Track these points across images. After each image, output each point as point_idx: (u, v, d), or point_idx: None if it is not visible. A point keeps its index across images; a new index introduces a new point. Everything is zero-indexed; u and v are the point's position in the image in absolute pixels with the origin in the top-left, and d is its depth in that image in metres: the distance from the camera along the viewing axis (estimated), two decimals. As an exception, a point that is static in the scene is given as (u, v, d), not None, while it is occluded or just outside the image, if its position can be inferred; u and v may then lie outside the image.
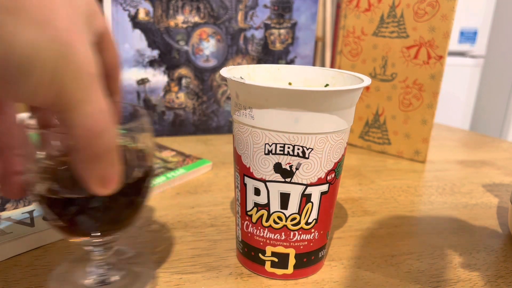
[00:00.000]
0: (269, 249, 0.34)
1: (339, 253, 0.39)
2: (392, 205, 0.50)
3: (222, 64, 0.70)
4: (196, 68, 0.69)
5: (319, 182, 0.32)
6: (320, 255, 0.36)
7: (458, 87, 2.30)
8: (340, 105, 0.30)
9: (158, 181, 0.50)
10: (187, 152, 0.63)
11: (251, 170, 0.32)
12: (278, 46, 0.72)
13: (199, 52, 0.69)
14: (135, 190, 0.29)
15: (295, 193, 0.32)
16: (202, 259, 0.37)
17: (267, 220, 0.33)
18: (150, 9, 0.64)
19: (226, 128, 0.74)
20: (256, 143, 0.31)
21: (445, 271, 0.37)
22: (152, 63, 0.67)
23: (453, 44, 2.24)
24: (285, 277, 0.35)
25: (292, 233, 0.33)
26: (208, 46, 0.69)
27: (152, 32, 0.66)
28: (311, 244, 0.34)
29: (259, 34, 0.70)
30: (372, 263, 0.38)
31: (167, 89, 0.69)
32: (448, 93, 2.31)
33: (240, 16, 0.69)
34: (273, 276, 0.35)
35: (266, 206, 0.33)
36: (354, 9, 0.66)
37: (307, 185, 0.32)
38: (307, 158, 0.31)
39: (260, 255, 0.34)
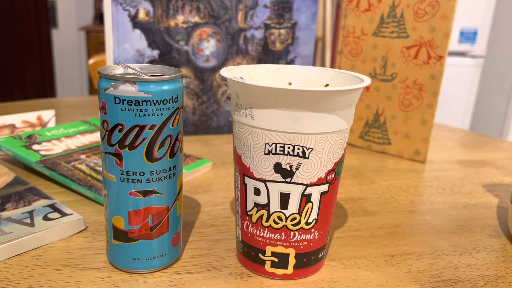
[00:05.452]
0: (269, 249, 0.34)
1: (339, 253, 0.39)
2: (392, 205, 0.50)
3: (222, 64, 0.70)
4: (196, 68, 0.69)
5: (319, 182, 0.32)
6: (320, 255, 0.36)
7: (458, 87, 2.30)
8: (340, 105, 0.30)
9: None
10: (187, 152, 0.63)
11: (251, 170, 0.32)
12: (278, 46, 0.72)
13: (199, 52, 0.69)
14: None
15: (295, 193, 0.32)
16: (202, 259, 0.37)
17: (267, 220, 0.33)
18: (150, 9, 0.64)
19: (226, 128, 0.74)
20: (256, 143, 0.31)
21: (445, 271, 0.37)
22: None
23: (453, 44, 2.24)
24: (285, 277, 0.35)
25: (292, 233, 0.33)
26: (208, 46, 0.69)
27: (152, 32, 0.66)
28: (311, 244, 0.34)
29: (259, 34, 0.70)
30: (372, 263, 0.38)
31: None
32: (448, 93, 2.31)
33: (240, 16, 0.69)
34: (273, 276, 0.35)
35: (266, 206, 0.33)
36: (354, 9, 0.66)
37: (307, 185, 0.32)
38: (307, 158, 0.31)
39: (260, 255, 0.34)
